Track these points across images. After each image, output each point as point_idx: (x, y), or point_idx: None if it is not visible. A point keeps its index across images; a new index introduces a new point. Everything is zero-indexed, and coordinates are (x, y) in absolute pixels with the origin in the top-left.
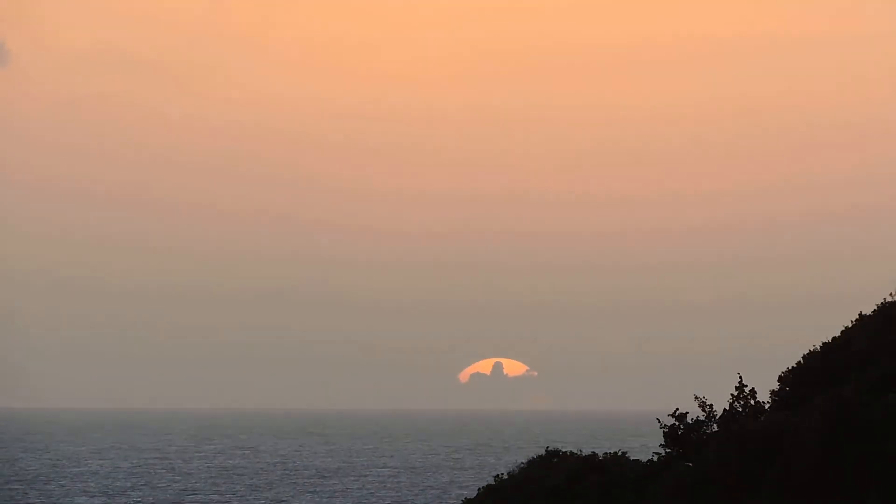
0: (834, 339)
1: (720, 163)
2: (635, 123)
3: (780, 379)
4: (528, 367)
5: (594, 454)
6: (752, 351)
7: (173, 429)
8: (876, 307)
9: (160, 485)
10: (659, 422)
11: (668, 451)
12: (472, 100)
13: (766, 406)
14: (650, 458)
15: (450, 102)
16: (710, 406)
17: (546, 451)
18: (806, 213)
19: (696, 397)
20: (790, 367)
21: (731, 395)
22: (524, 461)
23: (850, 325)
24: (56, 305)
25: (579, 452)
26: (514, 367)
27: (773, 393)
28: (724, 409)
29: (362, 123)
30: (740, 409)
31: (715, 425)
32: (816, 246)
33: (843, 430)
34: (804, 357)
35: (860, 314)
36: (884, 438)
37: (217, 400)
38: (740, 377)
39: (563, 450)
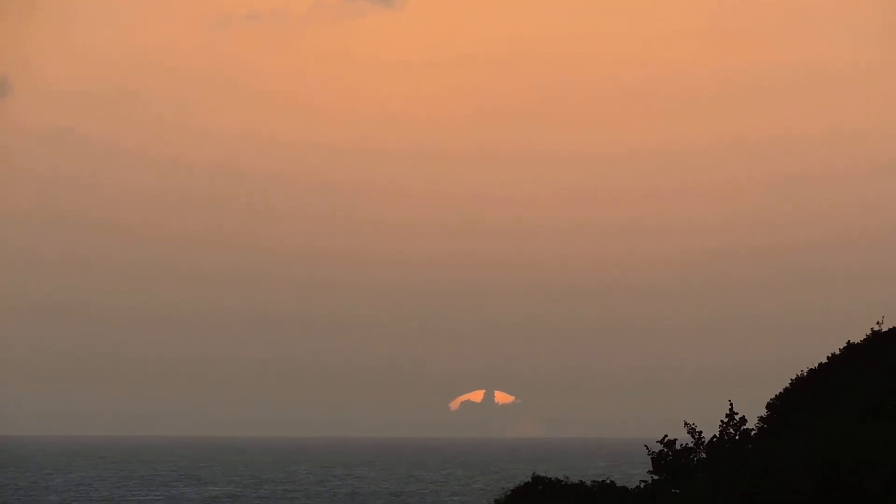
0: (821, 365)
1: (717, 191)
2: (634, 160)
3: (769, 406)
4: (515, 396)
5: (581, 482)
6: (745, 374)
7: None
8: (866, 335)
9: None
10: (647, 448)
11: (656, 478)
12: (474, 140)
13: (753, 434)
14: (637, 485)
15: (452, 142)
16: (700, 433)
17: (532, 478)
18: (798, 240)
19: (686, 423)
20: (778, 394)
21: (722, 421)
22: (511, 488)
23: (837, 352)
24: (35, 330)
25: (566, 480)
26: (504, 396)
27: (760, 419)
28: (714, 436)
29: (351, 160)
30: (727, 438)
31: (703, 453)
32: (808, 272)
33: (831, 464)
34: (792, 382)
35: (848, 342)
36: (871, 471)
37: (202, 427)
38: (731, 404)
39: (550, 477)
